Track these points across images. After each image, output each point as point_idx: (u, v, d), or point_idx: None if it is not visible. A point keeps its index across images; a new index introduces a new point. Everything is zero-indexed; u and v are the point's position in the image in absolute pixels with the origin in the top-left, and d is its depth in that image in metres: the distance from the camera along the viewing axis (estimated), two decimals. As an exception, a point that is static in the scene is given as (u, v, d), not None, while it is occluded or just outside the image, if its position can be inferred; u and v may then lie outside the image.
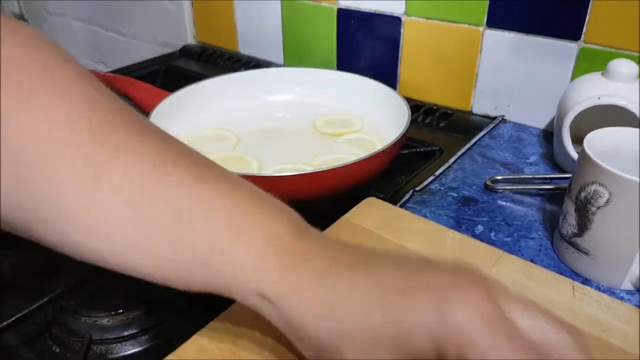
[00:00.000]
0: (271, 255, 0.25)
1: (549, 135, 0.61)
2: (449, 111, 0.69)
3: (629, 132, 0.41)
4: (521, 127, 0.65)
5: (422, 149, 0.61)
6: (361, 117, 0.63)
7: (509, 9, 0.61)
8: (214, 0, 0.89)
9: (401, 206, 0.49)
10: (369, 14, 0.72)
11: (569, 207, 0.40)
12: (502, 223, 0.47)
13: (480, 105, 0.68)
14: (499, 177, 0.53)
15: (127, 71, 0.85)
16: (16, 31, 0.26)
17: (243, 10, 0.87)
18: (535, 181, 0.53)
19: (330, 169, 0.45)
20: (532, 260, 0.42)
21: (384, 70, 0.74)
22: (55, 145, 0.24)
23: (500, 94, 0.66)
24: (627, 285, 0.39)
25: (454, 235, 0.40)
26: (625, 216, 0.36)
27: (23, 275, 0.44)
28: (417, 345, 0.23)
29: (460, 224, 0.47)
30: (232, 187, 0.27)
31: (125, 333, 0.38)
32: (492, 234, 0.45)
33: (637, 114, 0.47)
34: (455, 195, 0.51)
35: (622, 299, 0.38)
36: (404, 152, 0.58)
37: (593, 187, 0.37)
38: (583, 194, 0.38)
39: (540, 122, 0.64)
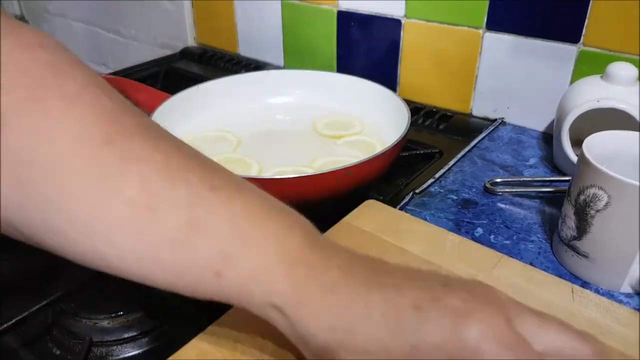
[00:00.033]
0: (283, 266, 0.25)
1: (549, 137, 0.62)
2: (448, 113, 0.69)
3: (628, 135, 0.41)
4: (521, 130, 0.65)
5: (422, 151, 0.61)
6: (361, 119, 0.63)
7: (508, 12, 0.61)
8: (214, 1, 0.90)
9: (401, 208, 0.49)
10: (369, 16, 0.72)
11: (568, 210, 0.40)
12: (502, 226, 0.47)
13: (480, 108, 0.68)
14: (498, 180, 0.53)
15: (128, 73, 0.86)
16: (24, 33, 0.26)
17: (243, 11, 0.87)
18: (535, 184, 0.53)
19: (331, 172, 0.45)
20: (531, 263, 0.42)
21: (384, 72, 0.74)
22: (59, 147, 0.24)
23: (500, 96, 0.66)
24: (626, 288, 0.39)
25: (453, 238, 0.40)
26: (624, 219, 0.36)
27: (23, 277, 0.44)
28: None
29: (460, 227, 0.47)
30: (244, 195, 0.27)
31: (126, 335, 0.38)
32: (492, 236, 0.46)
33: (637, 117, 0.47)
34: (455, 197, 0.51)
35: (621, 302, 0.38)
36: (403, 154, 0.58)
37: (592, 191, 0.37)
38: (582, 197, 0.38)
39: (539, 124, 0.64)
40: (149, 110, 0.58)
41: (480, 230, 0.46)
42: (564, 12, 0.57)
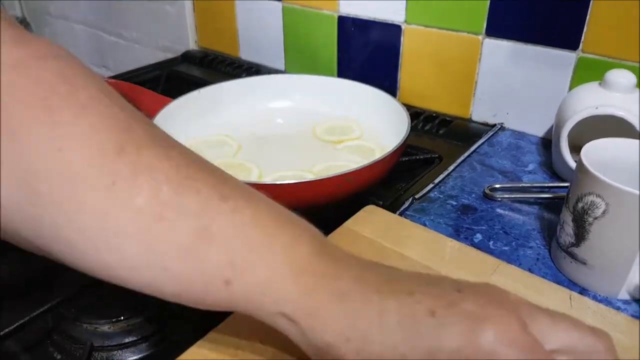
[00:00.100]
0: (292, 275, 0.26)
1: (548, 143, 0.62)
2: (448, 118, 0.69)
3: (627, 142, 0.41)
4: (520, 135, 0.65)
5: (421, 157, 0.61)
6: (361, 124, 0.63)
7: (508, 18, 0.61)
8: (216, 5, 0.90)
9: (401, 214, 0.49)
10: (369, 21, 0.73)
11: (567, 217, 0.40)
12: (501, 232, 0.47)
13: (480, 113, 0.68)
14: (497, 186, 0.53)
15: (129, 76, 0.86)
16: (36, 43, 0.26)
17: (245, 15, 0.87)
18: (534, 190, 0.53)
19: (331, 177, 0.45)
20: (530, 269, 0.42)
21: (384, 77, 0.74)
22: (69, 156, 0.24)
23: (499, 101, 0.66)
24: (624, 295, 0.39)
25: (452, 244, 0.41)
26: (622, 227, 0.37)
27: (24, 283, 0.44)
28: None
29: (459, 233, 0.47)
30: (254, 204, 0.27)
31: (126, 340, 0.38)
32: (491, 242, 0.46)
33: (636, 124, 0.47)
34: (454, 203, 0.51)
35: (618, 308, 0.39)
36: (403, 159, 0.58)
37: (590, 198, 0.37)
38: (580, 205, 0.38)
39: (539, 130, 0.64)
40: (150, 114, 0.58)
41: (479, 236, 0.46)
42: (563, 19, 0.57)
